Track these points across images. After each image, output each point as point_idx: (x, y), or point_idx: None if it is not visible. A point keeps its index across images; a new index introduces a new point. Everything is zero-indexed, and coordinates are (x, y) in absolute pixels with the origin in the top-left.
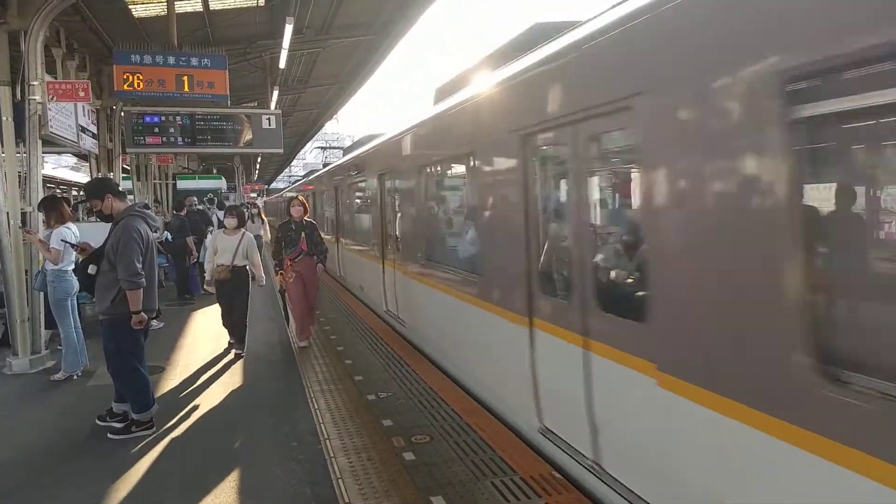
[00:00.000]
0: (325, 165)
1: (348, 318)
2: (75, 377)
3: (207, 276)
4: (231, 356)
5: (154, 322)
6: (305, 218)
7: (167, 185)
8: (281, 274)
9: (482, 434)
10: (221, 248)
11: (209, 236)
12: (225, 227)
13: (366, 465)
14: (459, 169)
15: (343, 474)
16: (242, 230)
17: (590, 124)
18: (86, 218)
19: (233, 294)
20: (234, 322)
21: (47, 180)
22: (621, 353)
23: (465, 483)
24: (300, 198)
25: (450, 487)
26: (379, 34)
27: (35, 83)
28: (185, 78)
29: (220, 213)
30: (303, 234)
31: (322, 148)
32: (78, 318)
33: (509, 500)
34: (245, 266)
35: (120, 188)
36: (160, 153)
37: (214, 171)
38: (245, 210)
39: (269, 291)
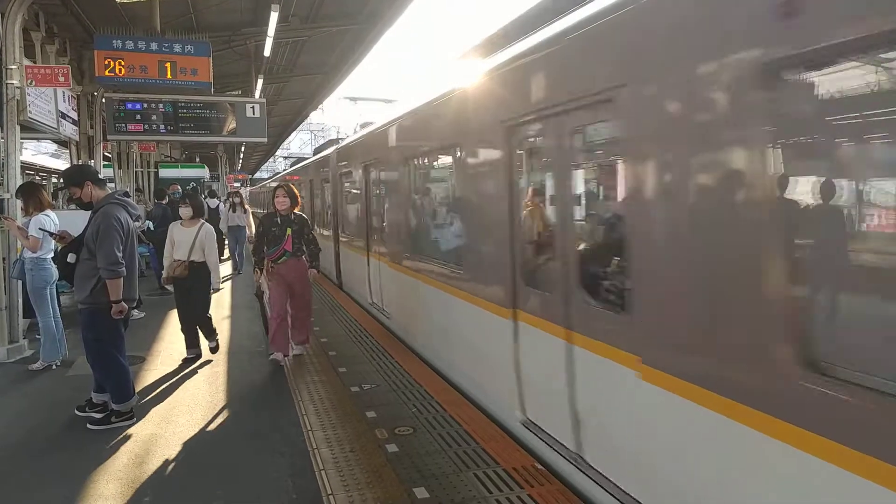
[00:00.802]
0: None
1: (333, 310)
2: (54, 367)
3: (164, 273)
4: (207, 354)
5: (134, 312)
6: (294, 211)
7: (149, 173)
8: (258, 272)
9: (466, 426)
10: (178, 242)
11: None
12: (181, 219)
13: (348, 457)
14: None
15: (326, 466)
16: (200, 221)
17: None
18: (65, 206)
19: (190, 291)
20: (198, 319)
21: (26, 167)
22: (382, 257)
23: (448, 475)
24: (287, 186)
25: (433, 479)
26: (366, 24)
27: (13, 67)
28: (168, 65)
29: (212, 202)
30: (288, 231)
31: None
32: (57, 307)
33: (492, 491)
34: (204, 262)
35: (101, 176)
36: (142, 141)
37: (197, 159)
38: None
39: (250, 279)
